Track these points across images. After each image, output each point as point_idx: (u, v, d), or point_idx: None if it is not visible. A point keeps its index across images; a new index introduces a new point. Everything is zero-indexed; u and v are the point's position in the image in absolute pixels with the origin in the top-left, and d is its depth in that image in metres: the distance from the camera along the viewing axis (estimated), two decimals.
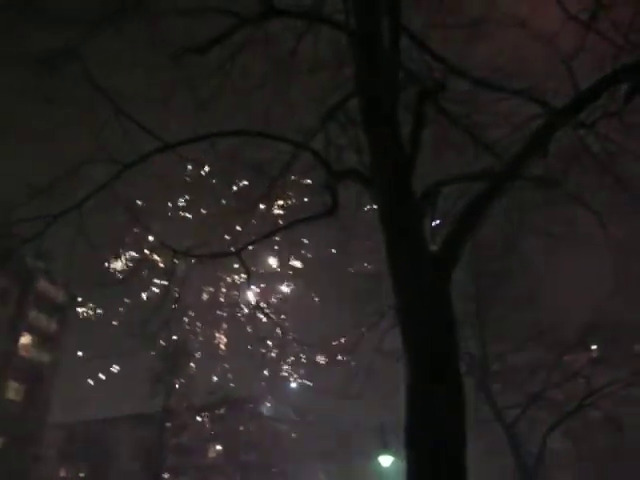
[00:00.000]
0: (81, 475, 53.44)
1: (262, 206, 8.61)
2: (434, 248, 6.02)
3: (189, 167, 8.44)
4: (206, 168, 8.75)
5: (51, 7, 6.67)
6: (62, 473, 58.62)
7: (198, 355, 40.42)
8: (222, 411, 46.83)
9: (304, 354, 9.06)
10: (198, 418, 43.06)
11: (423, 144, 6.77)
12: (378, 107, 6.43)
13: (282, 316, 8.78)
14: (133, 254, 8.48)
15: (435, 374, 5.20)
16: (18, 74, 7.01)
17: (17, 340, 49.90)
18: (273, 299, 9.60)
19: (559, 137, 7.19)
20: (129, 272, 7.90)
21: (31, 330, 51.44)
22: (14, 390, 49.49)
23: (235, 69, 8.08)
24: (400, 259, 5.77)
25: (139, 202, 8.22)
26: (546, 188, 8.55)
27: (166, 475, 41.92)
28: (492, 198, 6.32)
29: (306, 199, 9.11)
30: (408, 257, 5.73)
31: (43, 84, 7.09)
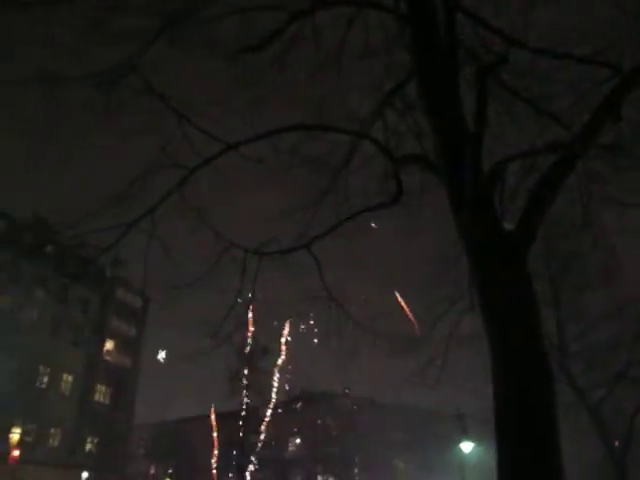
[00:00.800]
0: (169, 471, 55.45)
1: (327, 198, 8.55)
2: (508, 227, 5.81)
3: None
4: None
5: (113, 24, 6.86)
6: (152, 470, 61.15)
7: (275, 351, 41.27)
8: (300, 405, 47.43)
9: (379, 344, 8.93)
10: (277, 412, 43.76)
11: (486, 122, 6.54)
12: (438, 88, 6.27)
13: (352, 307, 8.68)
14: (204, 256, 8.63)
15: (520, 351, 5.07)
16: (82, 91, 7.22)
17: (102, 346, 52.42)
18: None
19: (629, 100, 6.78)
20: (203, 274, 8.02)
21: (113, 336, 54.00)
22: (102, 393, 52.09)
23: (287, 64, 8.07)
24: (475, 240, 5.61)
25: (205, 205, 8.35)
26: (617, 156, 8.10)
27: (249, 469, 42.85)
28: (565, 171, 6.06)
29: (369, 188, 8.98)
30: (483, 237, 5.57)
31: (106, 98, 7.28)
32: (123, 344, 55.27)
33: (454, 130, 6.15)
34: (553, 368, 5.34)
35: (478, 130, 6.26)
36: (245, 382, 41.16)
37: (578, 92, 7.71)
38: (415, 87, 7.43)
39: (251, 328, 37.84)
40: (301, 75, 8.32)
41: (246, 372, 41.10)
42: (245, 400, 41.21)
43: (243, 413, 41.46)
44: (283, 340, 40.78)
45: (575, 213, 9.40)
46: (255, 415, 43.18)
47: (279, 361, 41.38)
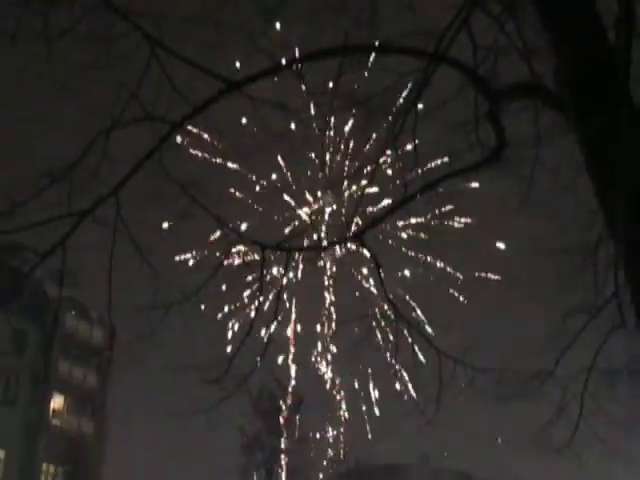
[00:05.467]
0: None
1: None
2: None
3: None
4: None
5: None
6: None
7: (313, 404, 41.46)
8: None
9: (477, 385, 8.88)
10: None
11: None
12: None
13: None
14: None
15: None
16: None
17: (47, 404, 53.37)
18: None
19: None
20: (197, 287, 8.08)
21: (63, 388, 54.84)
22: (49, 476, 53.06)
23: None
24: (630, 211, 5.49)
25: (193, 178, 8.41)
26: None
27: None
28: None
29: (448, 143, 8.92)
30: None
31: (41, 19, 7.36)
32: (79, 400, 56.21)
33: (589, 41, 6.03)
34: None
35: (626, 44, 6.15)
36: (269, 450, 41.59)
37: None
38: None
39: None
40: None
41: (271, 437, 41.53)
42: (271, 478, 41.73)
43: None
44: (328, 384, 41.06)
45: None
46: None
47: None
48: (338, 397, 40.70)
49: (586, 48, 6.08)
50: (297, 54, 7.52)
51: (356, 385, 43.58)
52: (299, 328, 38.99)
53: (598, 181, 6.01)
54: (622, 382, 11.20)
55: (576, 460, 10.75)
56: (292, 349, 38.36)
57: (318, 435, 42.00)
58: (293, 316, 42.10)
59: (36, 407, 52.43)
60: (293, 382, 42.57)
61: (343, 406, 41.02)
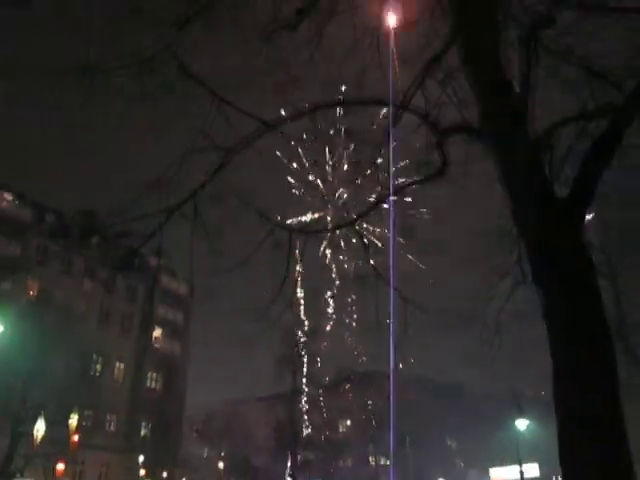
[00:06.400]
0: (222, 454, 56.91)
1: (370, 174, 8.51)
2: (561, 194, 5.65)
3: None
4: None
5: (145, 10, 6.90)
6: (205, 453, 62.90)
7: (322, 334, 41.43)
8: (348, 387, 47.79)
9: (429, 321, 8.86)
10: (326, 394, 44.21)
11: (533, 86, 6.36)
12: (482, 53, 6.10)
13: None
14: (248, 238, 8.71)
15: (579, 324, 4.93)
16: (117, 77, 7.28)
17: (150, 334, 53.96)
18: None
19: None
20: (247, 257, 8.09)
21: (161, 323, 55.43)
22: (153, 379, 53.73)
23: (322, 41, 7.99)
24: (526, 208, 5.48)
25: (248, 187, 8.40)
26: None
27: (301, 451, 43.56)
28: (620, 133, 5.83)
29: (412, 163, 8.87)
30: (535, 205, 5.43)
31: (142, 86, 7.33)
32: (171, 331, 56.71)
33: (500, 96, 5.98)
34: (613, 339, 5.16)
35: (525, 94, 6.10)
36: (294, 364, 41.63)
37: (630, 48, 7.37)
38: (456, 55, 7.26)
39: (301, 309, 38.12)
40: (337, 51, 8.23)
41: (295, 354, 41.53)
42: (294, 382, 41.74)
43: (295, 395, 42.04)
44: (331, 321, 40.96)
45: (631, 178, 9.04)
46: (305, 397, 43.77)
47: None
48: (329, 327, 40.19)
49: (499, 100, 6.04)
50: (312, 106, 7.47)
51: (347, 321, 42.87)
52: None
53: (506, 187, 5.99)
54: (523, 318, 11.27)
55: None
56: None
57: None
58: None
59: (143, 336, 52.96)
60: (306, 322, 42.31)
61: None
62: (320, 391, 44.34)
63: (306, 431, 44.56)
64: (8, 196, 44.63)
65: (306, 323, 39.63)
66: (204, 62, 7.73)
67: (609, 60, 7.64)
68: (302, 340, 40.98)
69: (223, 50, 8.64)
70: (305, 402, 43.73)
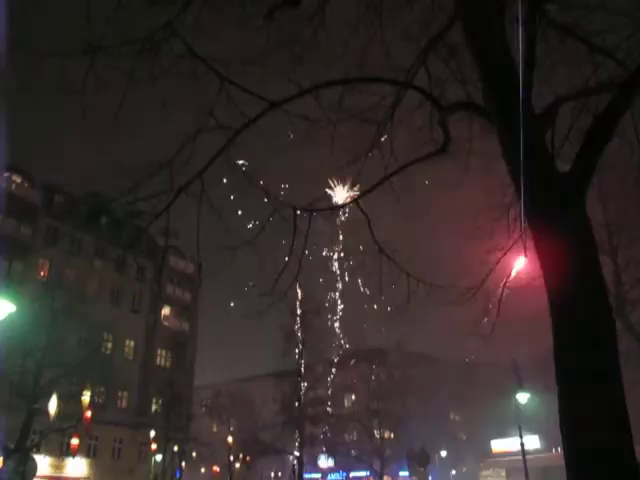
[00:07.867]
0: (231, 429, 57.59)
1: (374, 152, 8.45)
2: (563, 169, 5.62)
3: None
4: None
5: None
6: (214, 429, 63.69)
7: (327, 310, 41.43)
8: (353, 362, 48.06)
9: (431, 296, 8.86)
10: (332, 369, 44.46)
11: (536, 62, 6.29)
12: (485, 30, 6.03)
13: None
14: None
15: (580, 293, 4.95)
16: (121, 59, 7.21)
17: (160, 312, 54.34)
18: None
19: None
20: (253, 235, 8.11)
21: (170, 302, 55.80)
22: (163, 357, 54.29)
23: (325, 19, 7.88)
24: (530, 183, 5.45)
25: (253, 166, 8.35)
26: None
27: (307, 426, 43.97)
28: (621, 109, 5.78)
29: (416, 140, 8.80)
30: (538, 181, 5.40)
31: (148, 66, 7.26)
32: (180, 309, 57.07)
33: (503, 73, 5.93)
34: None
35: (528, 71, 6.04)
36: (300, 340, 41.78)
37: (634, 24, 7.26)
38: (459, 32, 7.17)
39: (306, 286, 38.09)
40: (340, 29, 8.12)
41: (300, 331, 41.63)
42: (300, 358, 41.95)
43: (301, 371, 42.26)
44: (335, 297, 40.89)
45: (631, 154, 8.97)
46: (311, 372, 44.05)
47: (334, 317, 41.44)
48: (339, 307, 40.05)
49: (502, 78, 6.00)
50: (315, 84, 7.40)
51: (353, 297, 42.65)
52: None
53: (509, 164, 5.97)
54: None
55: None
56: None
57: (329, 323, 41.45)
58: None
59: (153, 314, 53.34)
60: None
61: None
62: (326, 367, 44.59)
63: (312, 406, 44.95)
64: (17, 178, 44.62)
65: (312, 299, 39.48)
66: (207, 42, 7.64)
67: (614, 36, 7.54)
68: (308, 316, 41.00)
69: (225, 30, 8.54)
70: (311, 378, 44.02)
